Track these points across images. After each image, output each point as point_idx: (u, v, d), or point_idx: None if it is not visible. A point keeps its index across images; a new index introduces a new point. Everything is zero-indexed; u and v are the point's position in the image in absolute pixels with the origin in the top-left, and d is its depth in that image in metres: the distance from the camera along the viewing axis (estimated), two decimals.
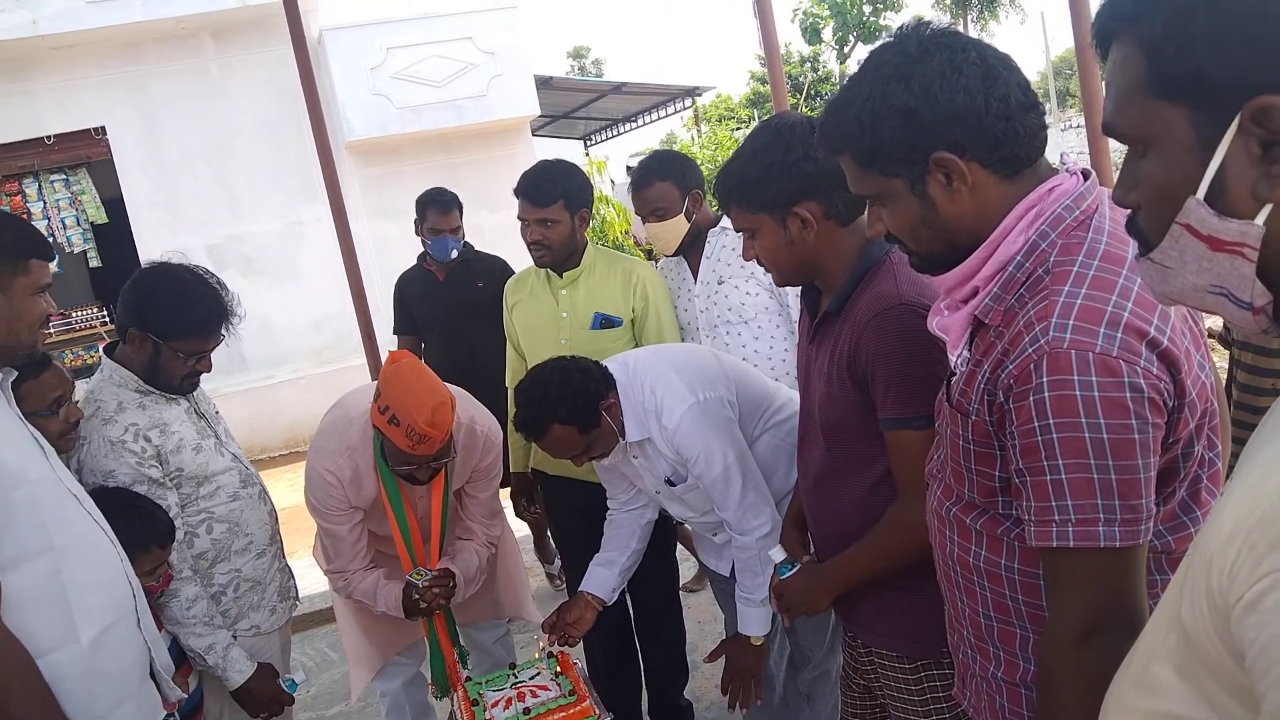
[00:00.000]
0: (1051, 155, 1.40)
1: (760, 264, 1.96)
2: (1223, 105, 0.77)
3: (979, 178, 1.32)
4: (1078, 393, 1.16)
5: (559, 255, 3.07)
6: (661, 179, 3.04)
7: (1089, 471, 1.17)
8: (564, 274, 3.11)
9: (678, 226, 3.04)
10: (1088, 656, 1.22)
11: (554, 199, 2.98)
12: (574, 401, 2.33)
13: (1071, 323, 1.19)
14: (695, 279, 3.12)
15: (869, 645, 2.00)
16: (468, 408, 2.70)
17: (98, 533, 1.99)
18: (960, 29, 1.42)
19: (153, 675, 2.08)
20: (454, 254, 4.20)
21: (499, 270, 4.24)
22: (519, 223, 3.06)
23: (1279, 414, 0.82)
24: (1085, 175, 1.36)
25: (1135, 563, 1.22)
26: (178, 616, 2.41)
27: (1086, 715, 1.17)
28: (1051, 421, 1.18)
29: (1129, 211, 0.95)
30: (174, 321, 2.40)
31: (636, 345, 3.07)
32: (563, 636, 2.65)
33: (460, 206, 4.27)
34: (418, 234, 4.25)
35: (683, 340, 3.19)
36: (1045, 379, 1.18)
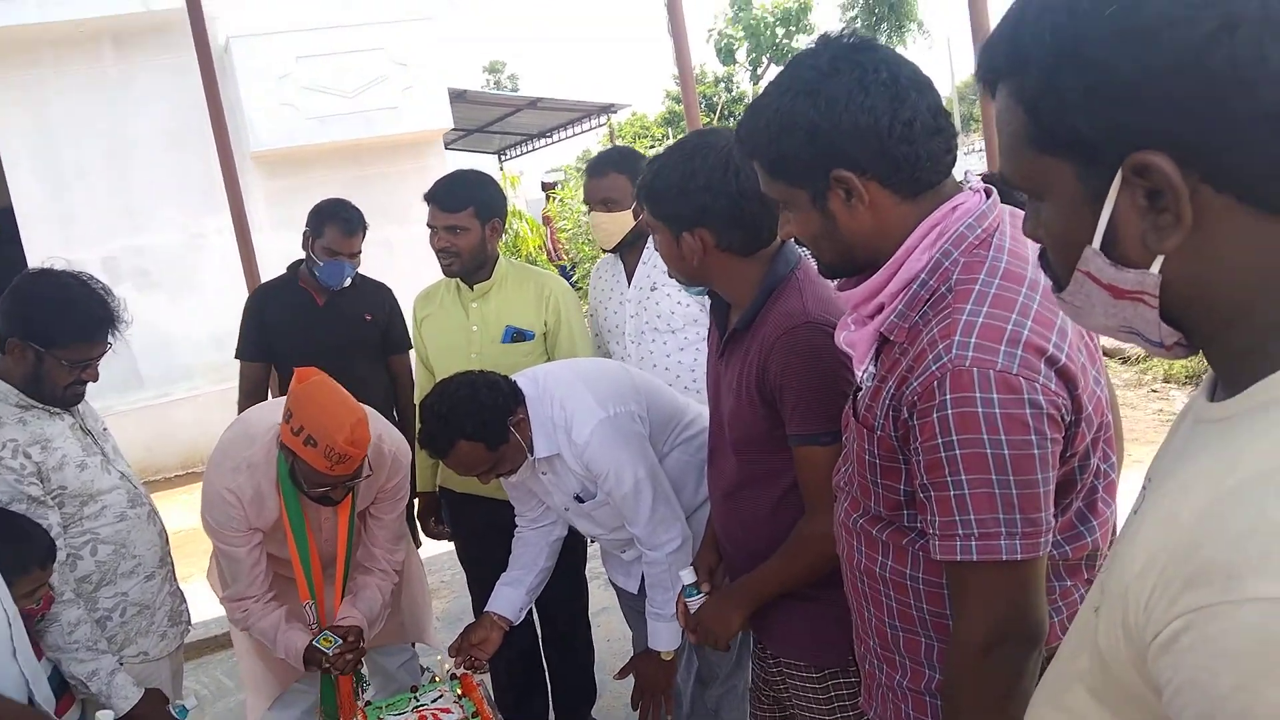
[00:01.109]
0: (956, 172, 1.43)
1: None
2: (1104, 160, 0.77)
3: (877, 197, 1.34)
4: (979, 410, 1.19)
5: (468, 264, 3.03)
6: (618, 171, 3.00)
7: (990, 487, 1.20)
8: (475, 286, 3.07)
9: (623, 220, 3.00)
10: (992, 666, 1.25)
11: (464, 205, 2.95)
12: (481, 417, 2.30)
13: (973, 341, 1.21)
14: (629, 281, 3.09)
15: (778, 656, 2.01)
16: (375, 425, 2.63)
17: None
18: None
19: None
20: (348, 282, 3.51)
21: (387, 303, 3.68)
22: (428, 230, 3.01)
23: (1182, 438, 0.83)
24: (988, 194, 1.39)
25: (1036, 574, 1.25)
26: (59, 642, 2.30)
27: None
28: (955, 438, 1.21)
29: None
30: (57, 328, 2.30)
31: (549, 359, 3.04)
32: (469, 659, 2.59)
33: (365, 228, 3.60)
34: (305, 248, 3.52)
35: (607, 342, 3.17)
36: (948, 396, 1.21)
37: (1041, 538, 1.22)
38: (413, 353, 3.49)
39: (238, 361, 3.63)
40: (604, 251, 3.22)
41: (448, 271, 3.06)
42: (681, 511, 2.47)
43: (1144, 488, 0.84)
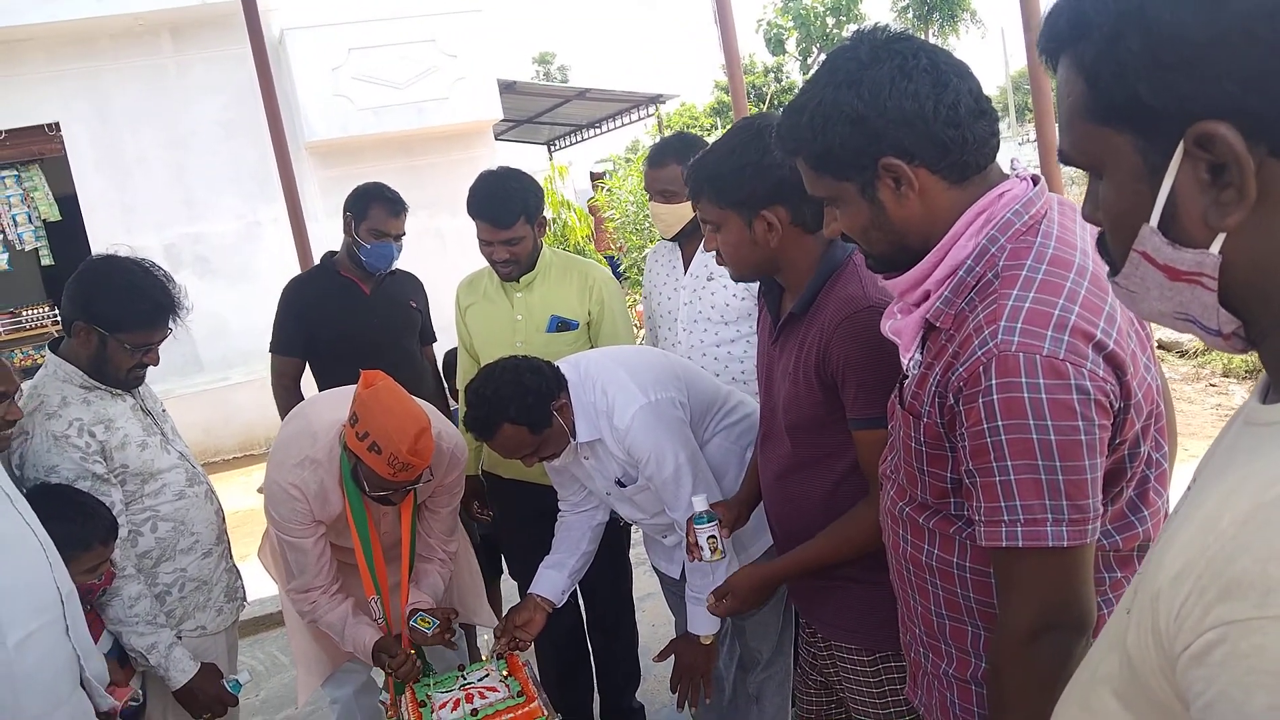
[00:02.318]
0: (1002, 160, 1.42)
1: (720, 260, 1.97)
2: (1165, 131, 0.74)
3: (927, 183, 1.34)
4: (1025, 395, 1.18)
5: (525, 267, 3.06)
6: (678, 161, 2.92)
7: (1037, 472, 1.19)
8: (520, 276, 3.10)
9: (682, 211, 2.96)
10: (1038, 654, 1.24)
11: (516, 217, 2.95)
12: (525, 401, 2.32)
13: (1020, 326, 1.21)
14: (685, 269, 3.07)
15: (828, 639, 2.02)
16: (435, 424, 2.65)
17: (26, 534, 1.95)
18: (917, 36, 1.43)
19: (83, 684, 2.04)
20: (395, 264, 3.50)
21: (422, 292, 3.69)
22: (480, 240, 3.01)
23: (1231, 440, 0.80)
24: (1034, 181, 1.38)
25: (1083, 562, 1.24)
26: (120, 615, 2.37)
27: (1036, 712, 1.19)
28: (1000, 423, 1.21)
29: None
30: (121, 313, 2.37)
31: (591, 348, 3.07)
32: (512, 640, 2.63)
33: (406, 210, 3.55)
34: (348, 234, 3.45)
35: (658, 327, 3.17)
36: (994, 381, 1.21)
37: (1089, 524, 1.21)
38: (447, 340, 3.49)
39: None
40: (661, 238, 3.21)
41: (507, 277, 3.07)
42: (721, 498, 2.48)
43: (1189, 487, 0.82)
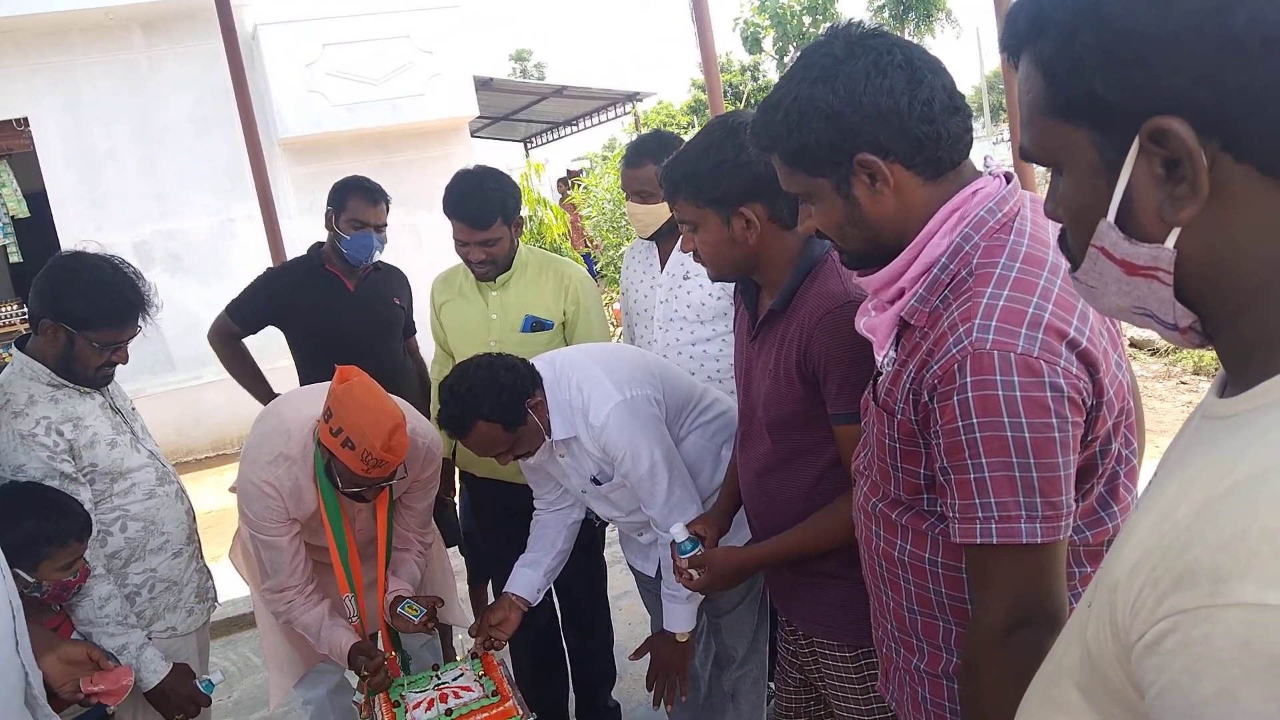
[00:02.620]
0: (976, 158, 1.43)
1: (697, 258, 1.96)
2: (1121, 127, 0.75)
3: (902, 179, 1.34)
4: (1000, 392, 1.19)
5: (502, 267, 3.05)
6: (655, 161, 2.89)
7: (1011, 469, 1.20)
8: (496, 276, 3.08)
9: (660, 211, 2.94)
10: (1011, 650, 1.25)
11: (494, 218, 2.93)
12: (500, 398, 2.32)
13: (994, 324, 1.22)
14: (662, 267, 3.07)
15: (809, 636, 2.02)
16: (410, 420, 2.64)
17: None
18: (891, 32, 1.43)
19: (27, 703, 1.99)
20: (376, 256, 3.46)
21: (406, 286, 3.69)
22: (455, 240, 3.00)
23: (1190, 434, 0.81)
24: (1008, 178, 1.39)
25: (1056, 558, 1.25)
26: (90, 616, 2.34)
27: (1010, 708, 1.21)
28: (975, 420, 1.21)
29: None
30: (89, 310, 2.34)
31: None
32: (488, 639, 2.62)
33: (388, 203, 3.53)
34: (330, 228, 3.45)
35: (634, 324, 3.17)
36: (969, 379, 1.21)
37: (1062, 521, 1.22)
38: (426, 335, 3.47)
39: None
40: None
41: (483, 278, 3.05)
42: (698, 495, 2.48)
43: (1150, 481, 0.83)
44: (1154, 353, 7.35)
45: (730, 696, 2.72)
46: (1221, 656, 0.61)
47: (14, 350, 2.42)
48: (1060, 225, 0.88)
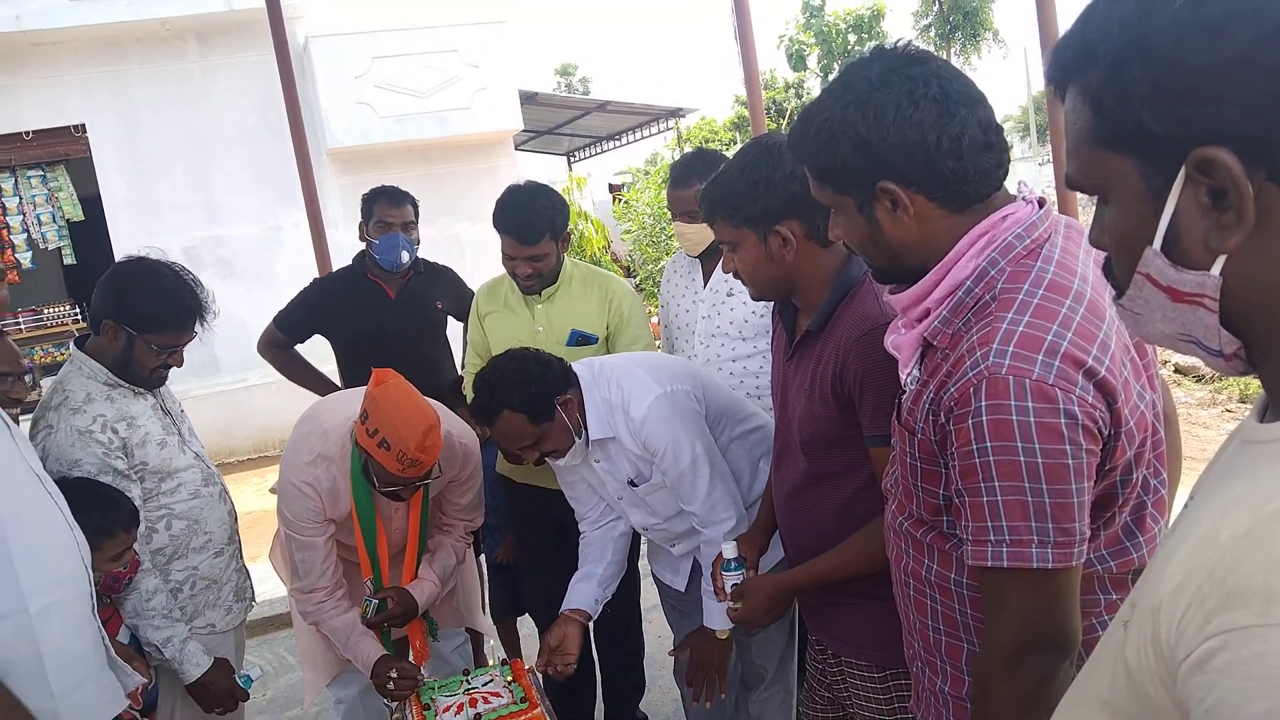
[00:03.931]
0: (1013, 181, 1.43)
1: (738, 277, 1.98)
2: (1168, 156, 0.76)
3: (923, 209, 1.36)
4: (1014, 417, 1.20)
5: (548, 281, 3.09)
6: (701, 180, 2.90)
7: (1023, 494, 1.21)
8: (541, 290, 3.12)
9: (707, 231, 2.86)
10: (1021, 674, 1.26)
11: (542, 235, 2.96)
12: (528, 390, 2.35)
13: (1011, 349, 1.22)
14: (704, 283, 3.08)
15: (839, 655, 2.02)
16: (445, 421, 2.68)
17: (54, 512, 2.00)
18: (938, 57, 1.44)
19: (110, 665, 2.09)
20: (405, 258, 3.53)
21: (455, 288, 3.77)
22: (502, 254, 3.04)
23: (1229, 457, 0.81)
24: (1040, 204, 1.40)
25: (1068, 584, 1.25)
26: (137, 608, 2.41)
27: None
28: (989, 444, 1.22)
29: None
30: (150, 314, 2.42)
31: None
32: (549, 665, 2.53)
33: (416, 207, 3.63)
34: (362, 238, 3.60)
35: (675, 339, 3.19)
36: (984, 403, 1.22)
37: (1075, 548, 1.22)
38: (466, 343, 3.49)
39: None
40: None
41: (528, 291, 3.09)
42: (738, 492, 2.48)
43: (1186, 504, 0.83)
44: (1199, 379, 7.24)
45: (758, 717, 2.72)
46: (1273, 675, 0.62)
47: (72, 348, 2.50)
48: (1105, 253, 0.89)
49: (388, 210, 3.52)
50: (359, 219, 3.61)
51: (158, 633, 2.42)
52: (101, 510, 2.23)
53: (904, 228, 1.37)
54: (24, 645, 1.85)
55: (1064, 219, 1.46)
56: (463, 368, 3.54)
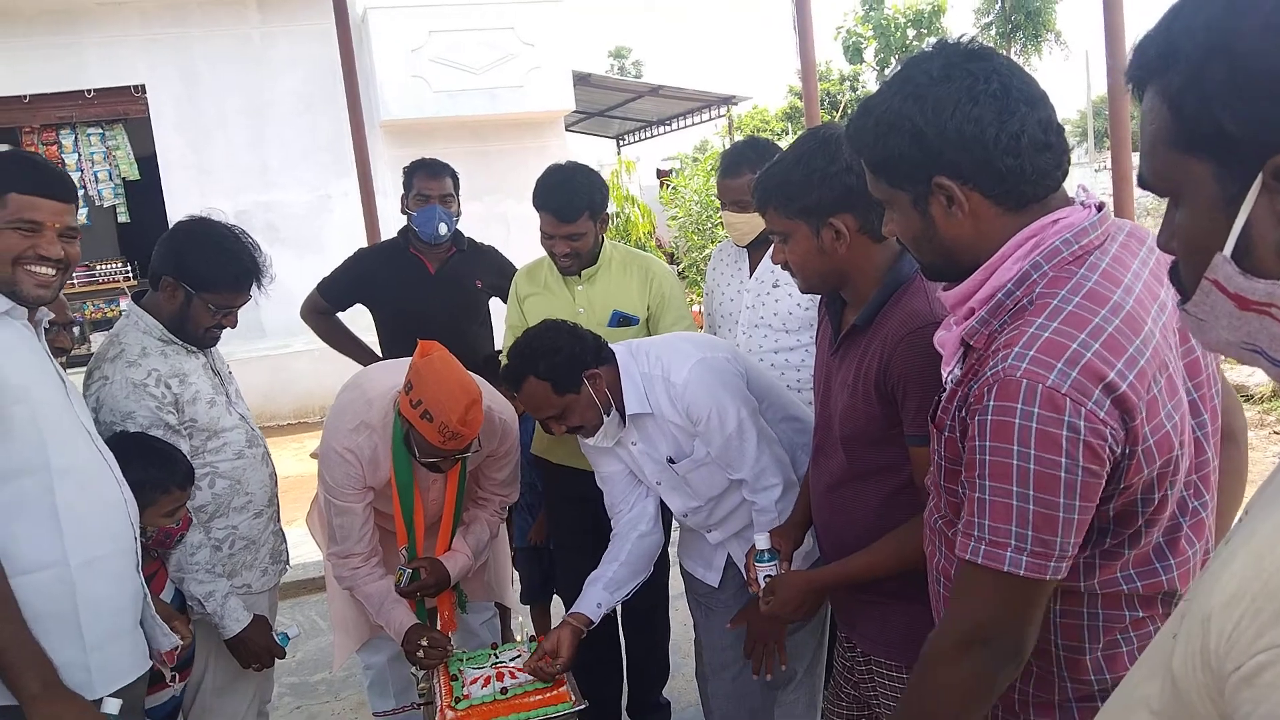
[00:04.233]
0: (1074, 184, 1.41)
1: (787, 268, 1.97)
2: (1245, 162, 0.75)
3: (979, 206, 1.34)
4: (1016, 420, 1.20)
5: (586, 262, 3.10)
6: (752, 170, 2.79)
7: (1009, 498, 1.22)
8: (582, 271, 3.13)
9: (756, 221, 2.86)
10: (962, 666, 1.31)
11: (580, 212, 2.99)
12: (553, 359, 2.37)
13: (1032, 353, 1.22)
14: (751, 272, 3.07)
15: (869, 654, 2.02)
16: (487, 396, 2.70)
17: (103, 467, 2.04)
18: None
19: (142, 624, 2.13)
20: (443, 230, 3.58)
21: (498, 266, 3.79)
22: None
23: None
24: (1099, 209, 1.37)
25: (1035, 594, 1.27)
26: (181, 562, 2.46)
27: (947, 717, 1.28)
28: (987, 443, 1.24)
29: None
30: (210, 273, 2.46)
31: None
32: (536, 669, 2.51)
33: (456, 180, 3.69)
34: (403, 210, 3.69)
35: (718, 327, 3.18)
36: (992, 402, 1.23)
37: (1052, 561, 1.23)
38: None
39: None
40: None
41: (567, 271, 3.11)
42: (785, 455, 2.47)
43: (1239, 519, 0.83)
44: (1247, 399, 7.10)
45: (781, 716, 2.70)
46: None
47: (129, 303, 2.54)
48: (1173, 258, 0.88)
49: (426, 183, 3.61)
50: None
51: (201, 586, 2.46)
52: (159, 466, 2.28)
53: (958, 225, 1.36)
54: (61, 597, 1.90)
55: (1127, 224, 1.44)
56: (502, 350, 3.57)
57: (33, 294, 1.96)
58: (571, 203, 2.98)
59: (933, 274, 1.49)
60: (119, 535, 2.05)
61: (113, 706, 1.96)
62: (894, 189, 1.41)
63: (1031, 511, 1.21)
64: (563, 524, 3.32)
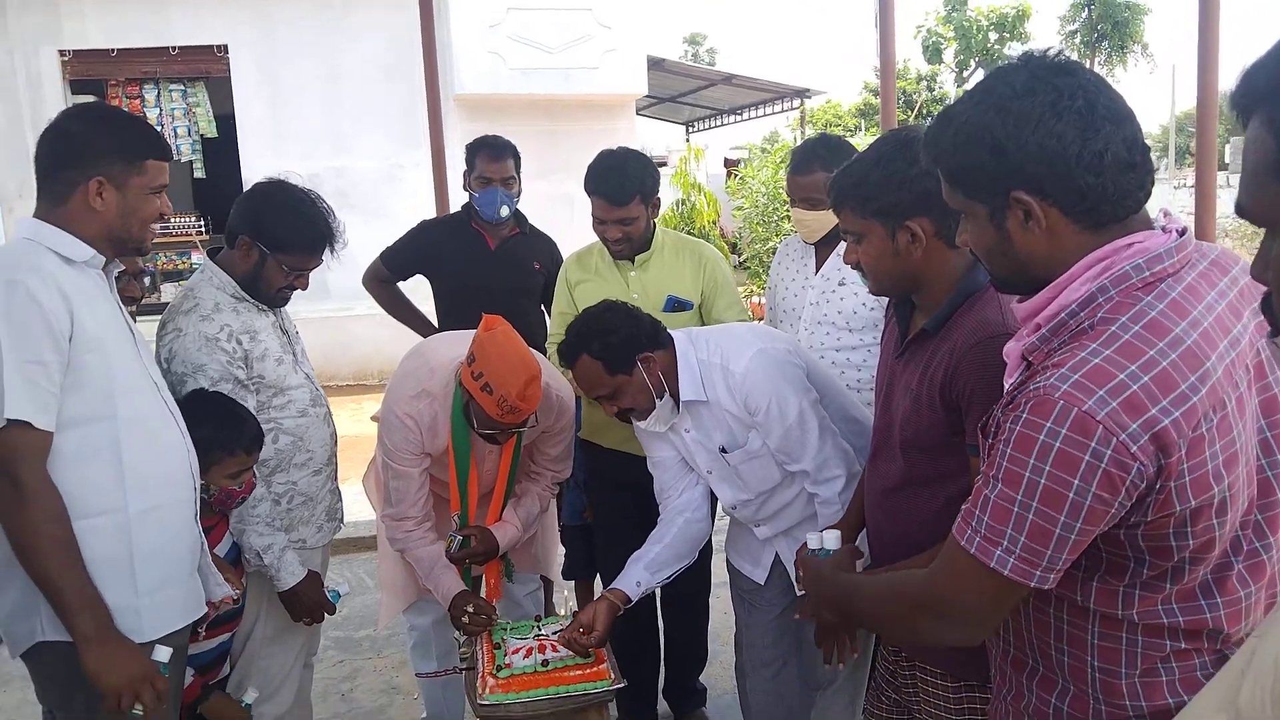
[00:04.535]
0: (1155, 209, 1.39)
1: (858, 269, 1.96)
2: None
3: (1056, 224, 1.32)
4: (1040, 437, 1.21)
5: (638, 247, 3.12)
6: (824, 168, 2.85)
7: (1012, 504, 1.25)
8: (635, 256, 3.14)
9: (826, 218, 2.89)
10: (915, 622, 1.44)
11: (632, 196, 3.01)
12: (609, 339, 2.39)
13: (1076, 377, 1.21)
14: (817, 268, 3.06)
15: (913, 659, 2.00)
16: (545, 374, 2.71)
17: (167, 418, 2.11)
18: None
19: (200, 570, 2.20)
20: (504, 212, 3.65)
21: (552, 255, 3.82)
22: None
23: None
24: (1181, 233, 1.34)
25: (1011, 594, 1.31)
26: (242, 514, 2.52)
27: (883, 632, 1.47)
28: (1009, 450, 1.26)
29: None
30: (286, 235, 2.52)
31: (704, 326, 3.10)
32: (571, 642, 2.52)
33: (518, 158, 3.72)
34: (465, 187, 3.76)
35: (780, 322, 3.18)
36: (1025, 414, 1.24)
37: (1037, 571, 1.25)
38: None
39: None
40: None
41: (619, 256, 3.13)
42: (849, 446, 2.46)
43: None
44: None
45: (819, 715, 2.70)
46: None
47: (205, 259, 2.61)
48: (1266, 289, 0.88)
49: (488, 164, 3.64)
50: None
51: (260, 539, 2.52)
52: (229, 427, 2.33)
53: (1033, 240, 1.34)
54: (117, 543, 1.97)
55: (1214, 251, 1.41)
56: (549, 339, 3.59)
57: (148, 250, 2.15)
58: (624, 187, 3.00)
59: (1004, 287, 1.48)
60: (179, 486, 2.11)
61: (163, 654, 2.02)
62: (970, 200, 1.39)
63: (1030, 521, 1.24)
64: (607, 511, 3.34)
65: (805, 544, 2.19)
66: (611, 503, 3.29)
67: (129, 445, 1.98)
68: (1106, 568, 1.31)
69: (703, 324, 3.12)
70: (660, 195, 3.14)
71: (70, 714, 2.05)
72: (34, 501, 1.83)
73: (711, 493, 2.69)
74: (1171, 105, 33.39)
